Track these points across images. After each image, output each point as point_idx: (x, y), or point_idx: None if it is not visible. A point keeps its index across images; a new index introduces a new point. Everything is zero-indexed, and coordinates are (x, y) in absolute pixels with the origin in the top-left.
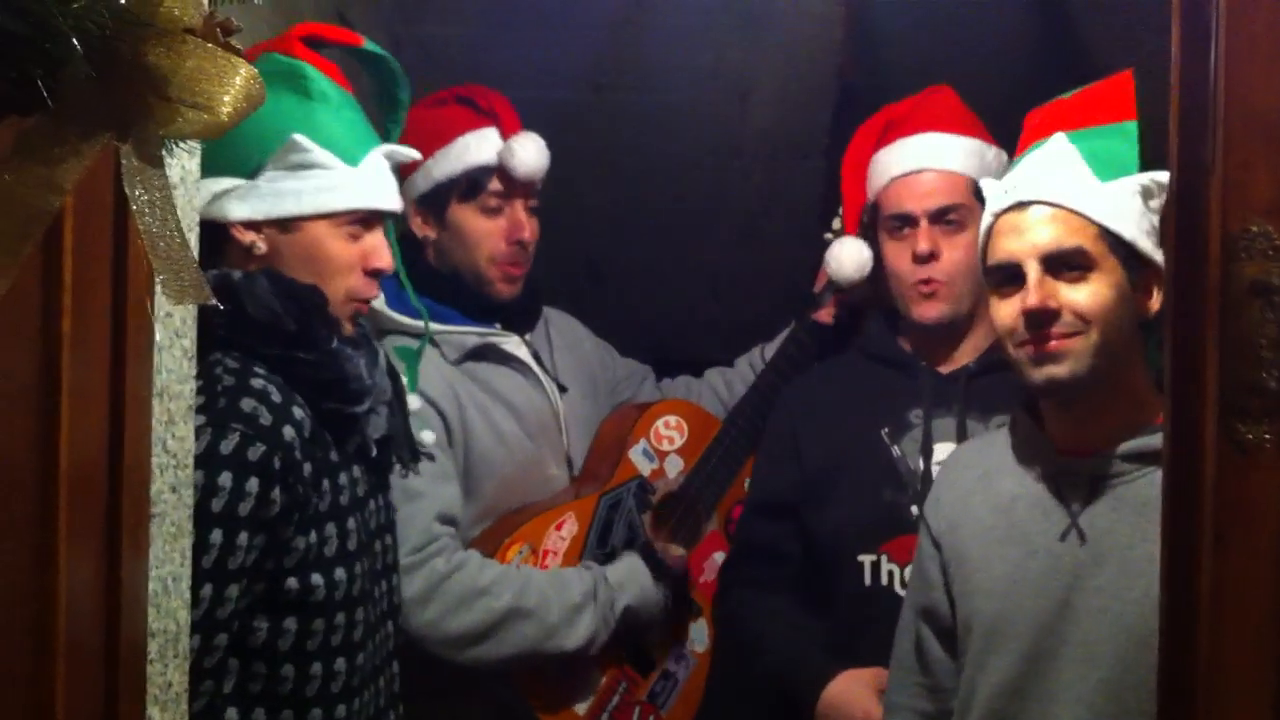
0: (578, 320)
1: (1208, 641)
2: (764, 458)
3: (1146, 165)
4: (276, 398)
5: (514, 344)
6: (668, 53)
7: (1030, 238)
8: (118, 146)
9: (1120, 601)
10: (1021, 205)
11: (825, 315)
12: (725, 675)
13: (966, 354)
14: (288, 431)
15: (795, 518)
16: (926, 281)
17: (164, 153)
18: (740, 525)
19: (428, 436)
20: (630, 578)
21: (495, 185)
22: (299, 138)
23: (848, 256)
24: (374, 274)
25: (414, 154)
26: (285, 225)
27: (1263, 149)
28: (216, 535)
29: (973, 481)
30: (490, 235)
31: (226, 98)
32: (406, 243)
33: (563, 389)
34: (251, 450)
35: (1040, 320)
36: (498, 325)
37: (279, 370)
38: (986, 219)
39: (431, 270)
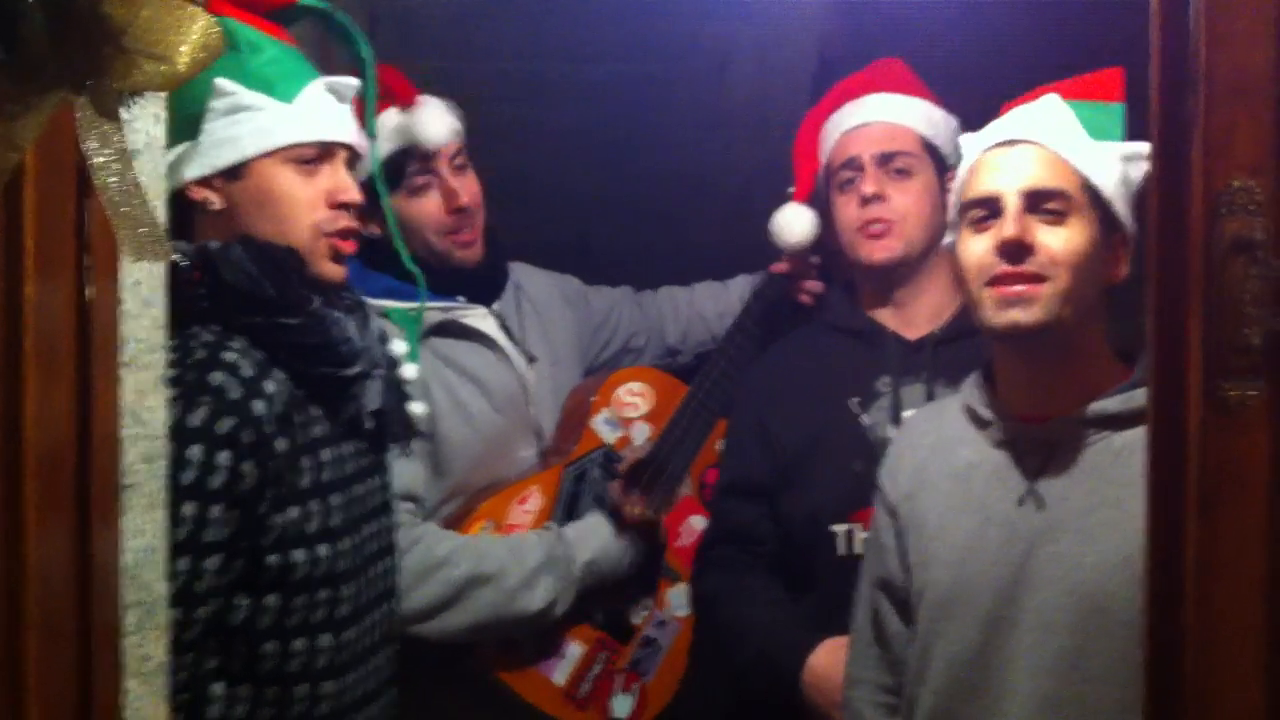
0: (545, 273)
1: (1194, 608)
2: (733, 443)
3: None
4: (248, 371)
5: (479, 317)
6: (646, 23)
7: (1014, 173)
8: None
9: (1078, 568)
10: (1009, 143)
11: (781, 266)
12: (705, 658)
13: (927, 319)
14: (257, 405)
15: (768, 499)
16: (875, 221)
17: (123, 109)
18: (713, 509)
19: (417, 408)
20: (589, 532)
21: (412, 165)
22: (221, 81)
23: (786, 221)
24: (341, 207)
25: (353, 82)
26: (234, 174)
27: (1245, 105)
28: (189, 509)
29: (928, 449)
30: (428, 213)
31: (184, 48)
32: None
33: (531, 359)
34: (220, 423)
35: (1014, 253)
36: (461, 299)
37: (263, 340)
38: (970, 156)
39: (386, 252)
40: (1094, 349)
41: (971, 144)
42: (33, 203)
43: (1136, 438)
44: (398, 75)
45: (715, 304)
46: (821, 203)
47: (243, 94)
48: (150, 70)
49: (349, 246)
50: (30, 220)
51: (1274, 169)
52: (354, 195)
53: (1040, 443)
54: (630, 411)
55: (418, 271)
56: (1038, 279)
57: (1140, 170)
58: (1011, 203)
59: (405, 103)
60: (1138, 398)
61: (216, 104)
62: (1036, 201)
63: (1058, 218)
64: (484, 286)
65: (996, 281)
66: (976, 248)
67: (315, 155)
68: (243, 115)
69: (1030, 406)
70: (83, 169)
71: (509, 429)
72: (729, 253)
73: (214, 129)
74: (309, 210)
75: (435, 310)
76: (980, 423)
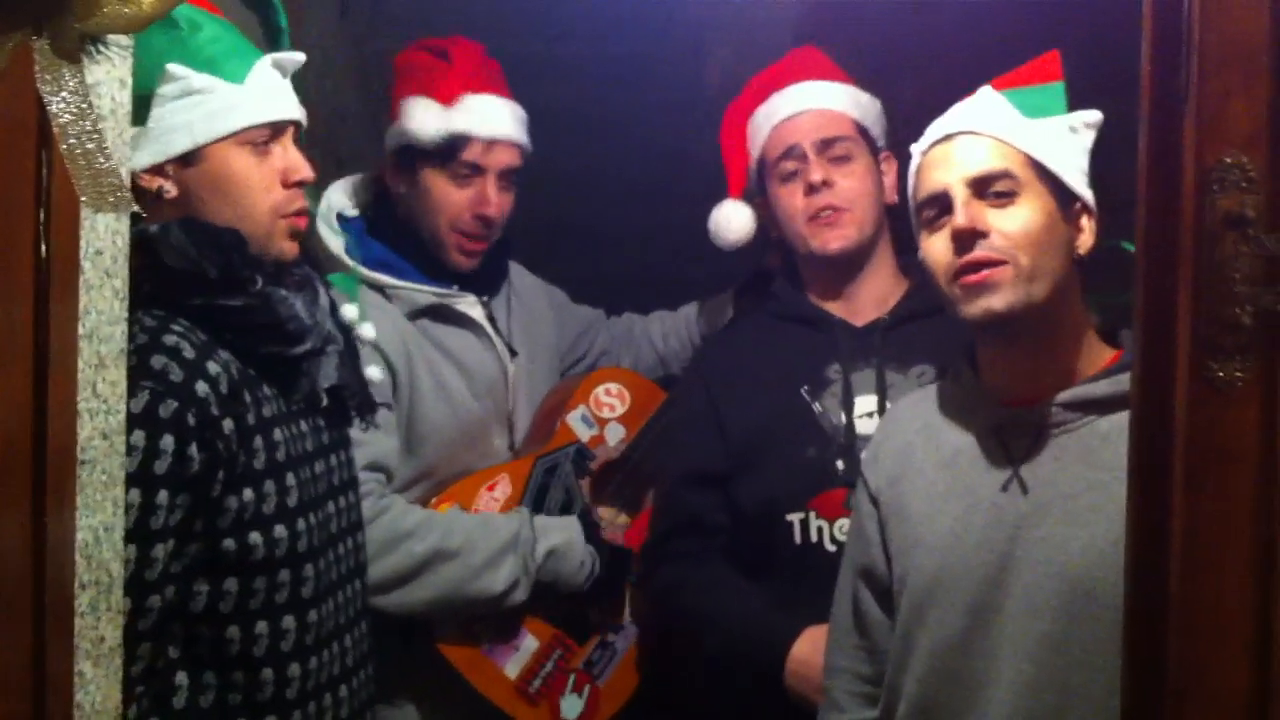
0: (534, 276)
1: (1180, 588)
2: (684, 431)
3: None
4: (189, 354)
5: (469, 304)
6: (620, 4)
7: (956, 164)
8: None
9: (1063, 552)
10: (948, 138)
11: (774, 259)
12: (659, 653)
13: (873, 306)
14: (201, 387)
15: (721, 488)
16: (826, 209)
17: (85, 56)
18: (665, 500)
19: (373, 374)
20: (559, 526)
21: (469, 155)
22: (172, 66)
23: (725, 219)
24: (296, 186)
25: (299, 57)
26: (187, 160)
27: (1240, 78)
28: (135, 495)
29: (912, 435)
30: (455, 203)
31: None
32: (379, 190)
33: (513, 352)
34: (163, 407)
35: (967, 241)
36: (455, 286)
37: (206, 321)
38: (915, 159)
39: (400, 223)
40: (1076, 330)
41: (914, 148)
42: None
43: (1124, 421)
44: (480, 61)
45: (662, 325)
46: (752, 197)
47: (193, 77)
48: (113, 10)
49: (303, 223)
50: None
51: (1267, 144)
52: (307, 174)
53: (1026, 426)
54: (607, 412)
55: (353, 244)
56: (998, 263)
57: (1089, 137)
58: (958, 193)
59: (468, 91)
60: (1125, 381)
61: (166, 89)
62: (983, 186)
63: (1007, 199)
64: (481, 281)
65: (960, 273)
66: (937, 245)
67: (268, 136)
68: (194, 99)
69: (1015, 391)
70: (43, 124)
71: (485, 417)
72: (705, 233)
73: (164, 114)
74: (265, 192)
75: (427, 294)
76: (964, 408)
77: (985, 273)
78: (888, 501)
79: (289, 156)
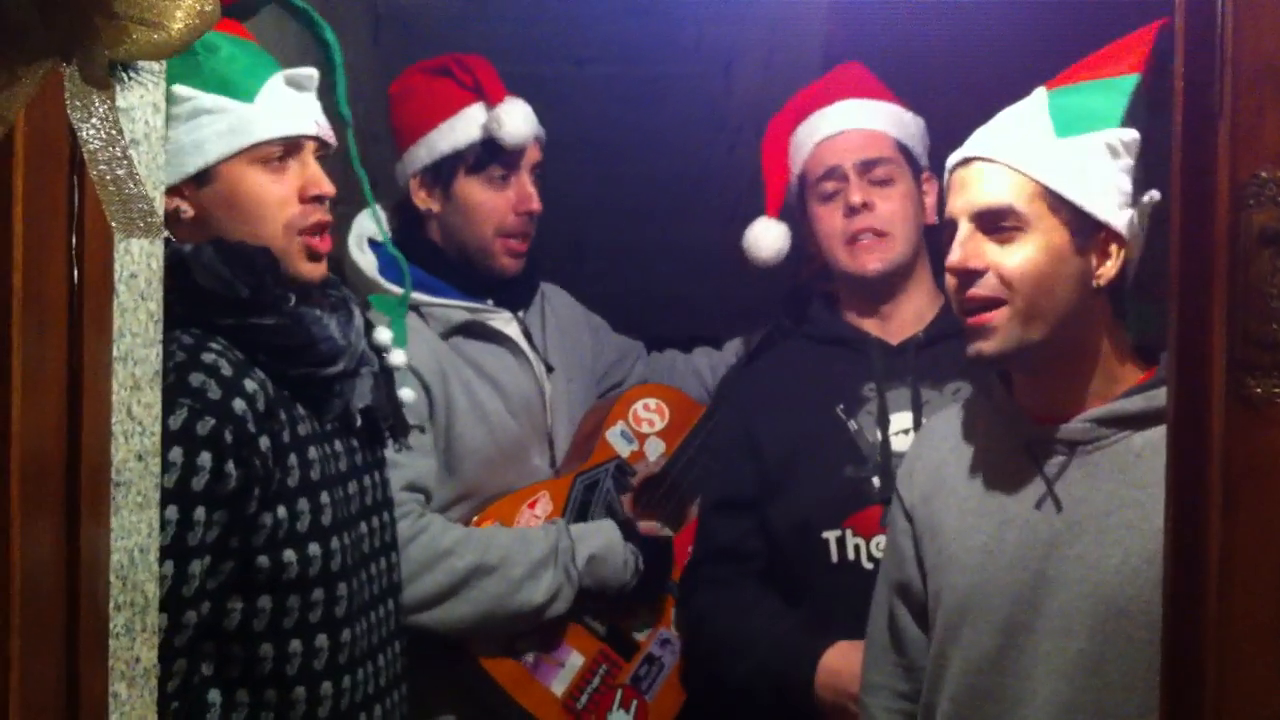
0: (573, 298)
1: (1216, 607)
2: (719, 458)
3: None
4: (227, 371)
5: (504, 320)
6: (650, 25)
7: (966, 194)
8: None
9: (1097, 570)
10: (965, 162)
11: (810, 272)
12: (697, 678)
13: (910, 323)
14: (238, 405)
15: (757, 513)
16: (865, 232)
17: (116, 81)
18: (701, 528)
19: (407, 395)
20: (595, 531)
21: (500, 157)
22: (178, 88)
23: (758, 237)
24: (314, 201)
25: (312, 72)
26: (201, 180)
27: (1273, 93)
28: (172, 512)
29: (946, 452)
30: (498, 208)
31: (178, 13)
32: (405, 214)
33: (549, 369)
34: (200, 425)
35: (962, 278)
36: (489, 302)
37: (240, 340)
38: (944, 177)
39: (429, 243)
40: (1099, 348)
41: (947, 164)
42: (22, 187)
43: (1158, 437)
44: (489, 70)
45: (709, 359)
46: (790, 214)
47: (202, 98)
48: (142, 38)
49: (324, 244)
50: (19, 207)
51: None
52: (326, 188)
53: (1059, 444)
54: (646, 427)
55: (399, 255)
56: (995, 303)
57: (1127, 162)
58: (962, 228)
59: (494, 99)
60: (1159, 397)
61: (176, 110)
62: (987, 222)
63: (1010, 233)
64: (514, 293)
65: (960, 309)
66: (950, 278)
67: (282, 152)
68: (204, 119)
69: (1047, 409)
70: (75, 149)
71: (522, 435)
72: (732, 257)
73: (175, 136)
74: (280, 208)
75: (461, 310)
76: (996, 424)
77: (981, 316)
78: (922, 518)
79: (307, 173)
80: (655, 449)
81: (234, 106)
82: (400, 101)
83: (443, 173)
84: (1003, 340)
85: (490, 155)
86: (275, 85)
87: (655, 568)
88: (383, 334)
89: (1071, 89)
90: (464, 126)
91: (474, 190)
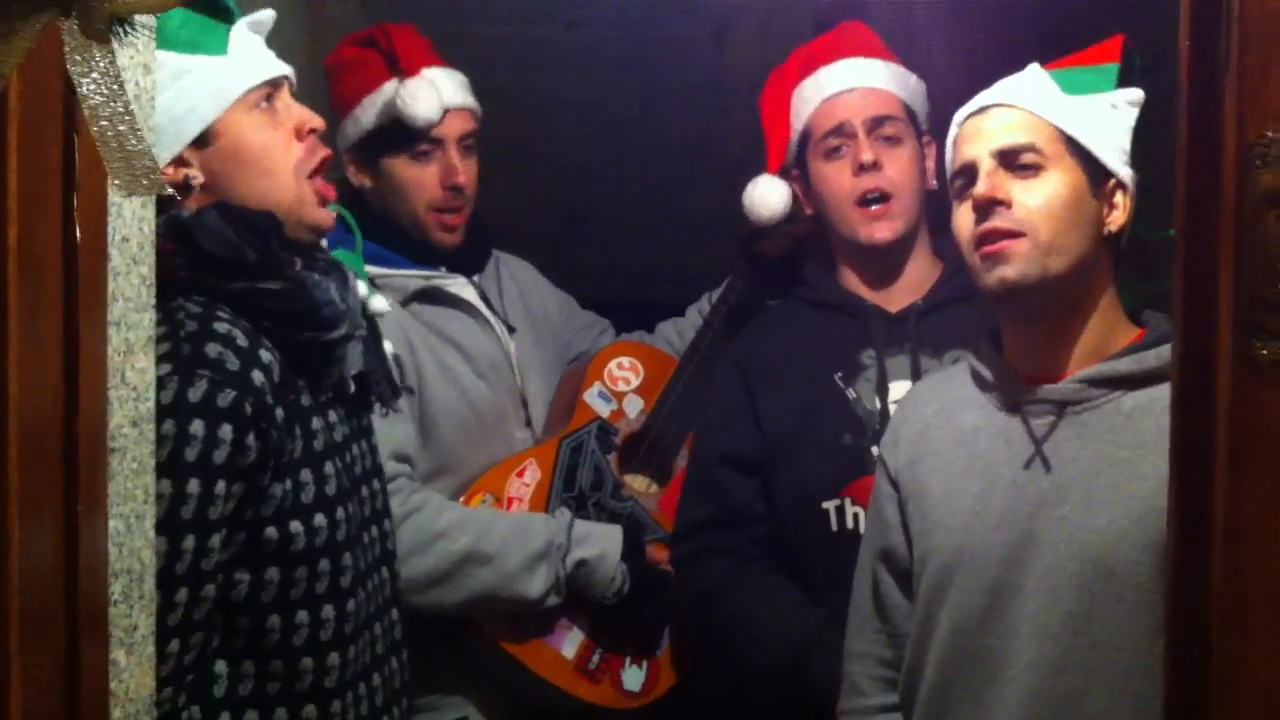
0: (535, 268)
1: (1221, 572)
2: (719, 417)
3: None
4: (242, 341)
5: (459, 285)
6: None
7: (986, 137)
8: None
9: (1085, 531)
10: (983, 110)
11: (772, 246)
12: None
13: (909, 290)
14: (256, 376)
15: (759, 475)
16: (874, 195)
17: (114, 35)
18: (702, 482)
19: (388, 347)
20: (597, 537)
21: (426, 130)
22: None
23: (760, 195)
24: (310, 135)
25: (269, 14)
26: (203, 142)
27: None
28: (194, 485)
29: (931, 416)
30: (424, 184)
31: None
32: (343, 189)
33: (511, 329)
34: (221, 396)
35: (985, 209)
36: (443, 268)
37: (246, 307)
38: (952, 130)
39: (372, 216)
40: (1099, 304)
41: (954, 120)
42: (16, 144)
43: (1149, 399)
44: (410, 40)
45: (675, 326)
46: (788, 171)
47: (180, 59)
48: None
49: (330, 192)
50: (13, 158)
51: None
52: (318, 121)
53: (1048, 404)
54: (622, 385)
55: (351, 219)
56: (1016, 234)
57: (1131, 115)
58: (984, 164)
59: (407, 73)
60: (1150, 358)
61: (159, 77)
62: (1010, 159)
63: (1032, 171)
64: (466, 259)
65: (980, 242)
66: (964, 215)
67: (268, 94)
68: (187, 81)
69: (1037, 368)
70: (70, 104)
71: (495, 398)
72: (725, 221)
73: (165, 105)
74: (285, 150)
75: (417, 278)
76: (986, 385)
77: (1002, 243)
78: (907, 483)
79: (294, 112)
80: (634, 406)
81: (211, 63)
82: (332, 75)
83: (369, 149)
84: (1025, 268)
85: (411, 131)
86: (240, 33)
87: (640, 595)
88: (360, 287)
89: (1064, 70)
90: (384, 102)
91: (399, 166)
